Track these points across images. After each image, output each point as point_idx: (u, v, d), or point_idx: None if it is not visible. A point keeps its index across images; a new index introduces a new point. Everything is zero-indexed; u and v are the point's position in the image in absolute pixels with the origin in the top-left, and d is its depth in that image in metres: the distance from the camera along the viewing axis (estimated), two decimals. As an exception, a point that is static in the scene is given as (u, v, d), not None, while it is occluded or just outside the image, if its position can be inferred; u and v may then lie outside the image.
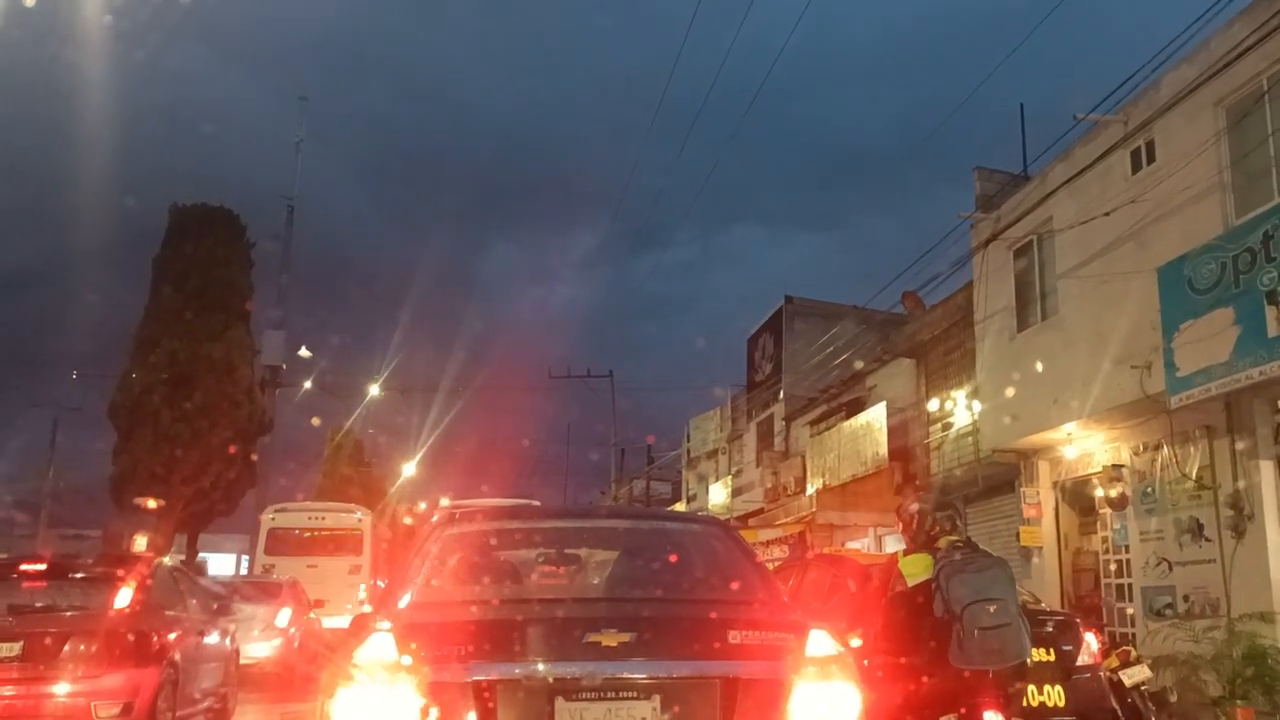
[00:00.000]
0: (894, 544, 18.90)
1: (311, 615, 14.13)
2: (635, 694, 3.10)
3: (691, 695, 3.14)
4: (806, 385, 22.55)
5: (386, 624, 3.18)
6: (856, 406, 19.21)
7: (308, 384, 30.01)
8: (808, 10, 12.89)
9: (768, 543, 17.77)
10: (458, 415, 38.48)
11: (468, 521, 4.34)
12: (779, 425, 24.22)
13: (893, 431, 16.95)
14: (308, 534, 18.02)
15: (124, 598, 7.10)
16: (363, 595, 16.90)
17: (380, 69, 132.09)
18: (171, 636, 7.41)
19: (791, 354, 23.78)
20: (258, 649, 11.63)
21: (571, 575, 4.58)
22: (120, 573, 7.43)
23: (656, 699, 3.09)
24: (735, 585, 3.86)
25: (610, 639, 3.11)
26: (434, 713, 2.97)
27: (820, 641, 3.29)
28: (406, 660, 3.02)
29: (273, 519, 18.43)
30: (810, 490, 19.52)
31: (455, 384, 38.99)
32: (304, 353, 26.34)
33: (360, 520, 18.46)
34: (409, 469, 43.81)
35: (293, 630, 12.40)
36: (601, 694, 3.08)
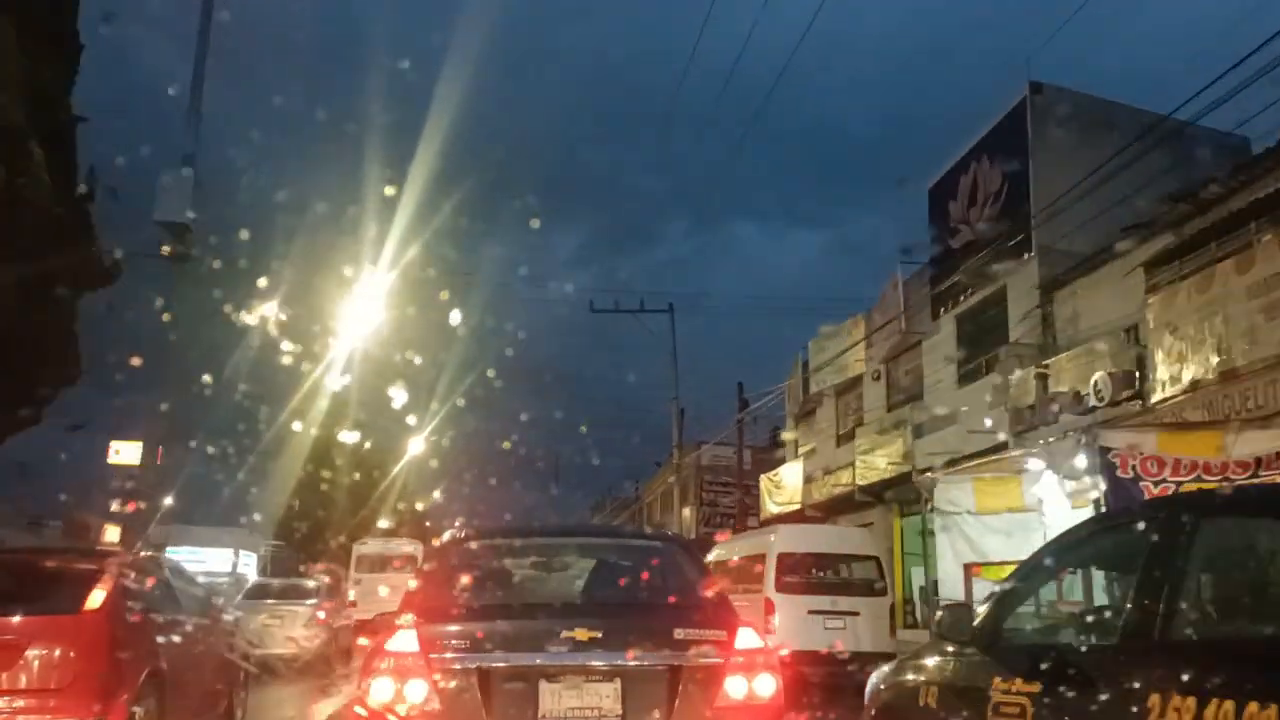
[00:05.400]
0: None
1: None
2: (601, 678, 4.19)
3: (645, 679, 4.22)
4: (1080, 232, 14.38)
5: (411, 621, 4.27)
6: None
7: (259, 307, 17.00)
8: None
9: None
10: (469, 406, 32.55)
11: (473, 539, 5.47)
12: (1021, 297, 16.15)
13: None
14: (382, 558, 25.61)
15: (97, 598, 6.19)
16: None
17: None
18: (158, 641, 6.71)
19: (1045, 180, 15.23)
20: (302, 640, 14.37)
21: (555, 582, 5.79)
22: (92, 567, 6.57)
23: (618, 682, 4.19)
24: (684, 591, 5.00)
25: (583, 634, 4.17)
26: (446, 691, 4.07)
27: (747, 637, 4.39)
28: (426, 650, 4.12)
29: (360, 549, 26.47)
30: (1175, 381, 11.53)
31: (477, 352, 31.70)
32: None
33: (415, 550, 25.24)
34: (415, 447, 36.59)
35: (334, 624, 15.45)
36: (575, 678, 4.16)
